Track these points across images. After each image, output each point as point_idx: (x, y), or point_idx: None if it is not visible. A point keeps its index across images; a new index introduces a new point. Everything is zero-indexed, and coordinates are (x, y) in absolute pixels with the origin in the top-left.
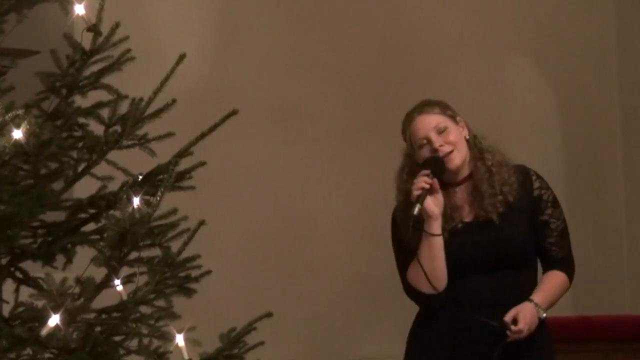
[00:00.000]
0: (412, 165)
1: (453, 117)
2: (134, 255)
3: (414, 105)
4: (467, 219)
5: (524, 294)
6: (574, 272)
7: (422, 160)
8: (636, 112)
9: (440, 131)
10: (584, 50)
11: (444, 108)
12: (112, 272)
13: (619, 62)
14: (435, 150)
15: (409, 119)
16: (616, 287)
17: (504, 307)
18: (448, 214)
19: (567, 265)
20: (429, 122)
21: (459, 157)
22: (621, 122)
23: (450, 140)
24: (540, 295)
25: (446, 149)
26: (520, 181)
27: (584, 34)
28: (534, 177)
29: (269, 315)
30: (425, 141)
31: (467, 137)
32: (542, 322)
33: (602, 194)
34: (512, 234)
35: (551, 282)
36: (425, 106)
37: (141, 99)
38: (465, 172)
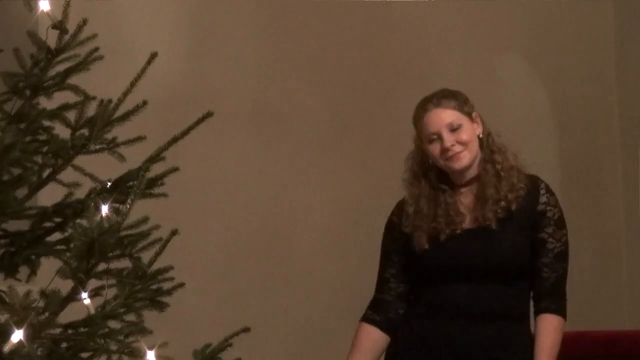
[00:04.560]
0: (420, 157)
1: (469, 114)
2: (102, 266)
3: (423, 96)
4: (467, 225)
5: (508, 310)
6: (566, 302)
7: (430, 154)
8: (636, 115)
9: (454, 129)
10: (581, 50)
11: (462, 103)
12: (79, 285)
13: (618, 63)
14: (445, 150)
15: (423, 109)
16: (615, 301)
17: (484, 319)
18: (451, 217)
19: (557, 295)
20: (444, 118)
21: (468, 157)
22: (620, 126)
23: (463, 139)
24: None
25: (457, 148)
26: (527, 191)
27: (582, 34)
28: (542, 191)
29: (246, 330)
30: (436, 137)
31: (481, 135)
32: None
33: (600, 201)
34: (502, 247)
35: (549, 338)
36: (442, 99)
37: (110, 101)
38: (473, 172)
